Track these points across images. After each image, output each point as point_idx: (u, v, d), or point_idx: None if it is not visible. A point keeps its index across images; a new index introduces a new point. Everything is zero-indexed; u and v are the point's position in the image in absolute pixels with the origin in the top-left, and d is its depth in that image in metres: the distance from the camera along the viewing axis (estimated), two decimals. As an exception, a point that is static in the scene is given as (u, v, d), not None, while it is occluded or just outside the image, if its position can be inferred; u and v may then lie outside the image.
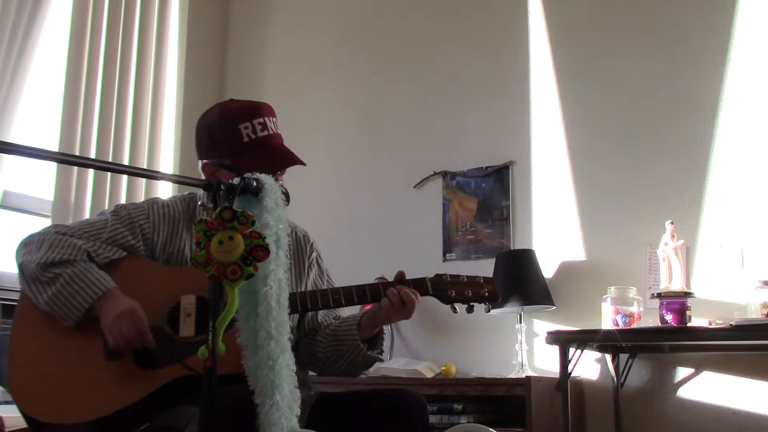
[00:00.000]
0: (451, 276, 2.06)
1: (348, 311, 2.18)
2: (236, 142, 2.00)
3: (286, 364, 1.71)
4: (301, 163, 2.05)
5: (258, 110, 2.05)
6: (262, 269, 1.63)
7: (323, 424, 1.94)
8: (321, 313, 2.15)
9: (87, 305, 1.85)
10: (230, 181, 1.65)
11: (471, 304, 2.03)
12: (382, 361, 2.10)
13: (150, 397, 1.81)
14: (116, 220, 2.00)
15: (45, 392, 1.83)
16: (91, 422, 1.79)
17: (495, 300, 2.07)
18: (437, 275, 2.06)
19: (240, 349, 1.70)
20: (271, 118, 2.06)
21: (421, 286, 2.02)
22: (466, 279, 2.07)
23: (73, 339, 1.88)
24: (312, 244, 2.25)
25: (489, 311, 2.10)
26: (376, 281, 3.78)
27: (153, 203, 2.06)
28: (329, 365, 2.09)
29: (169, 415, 1.82)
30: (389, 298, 1.96)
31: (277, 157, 2.03)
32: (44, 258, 1.89)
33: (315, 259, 2.23)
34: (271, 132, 2.04)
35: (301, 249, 2.20)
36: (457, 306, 2.03)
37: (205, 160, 2.06)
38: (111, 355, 1.85)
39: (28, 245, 1.96)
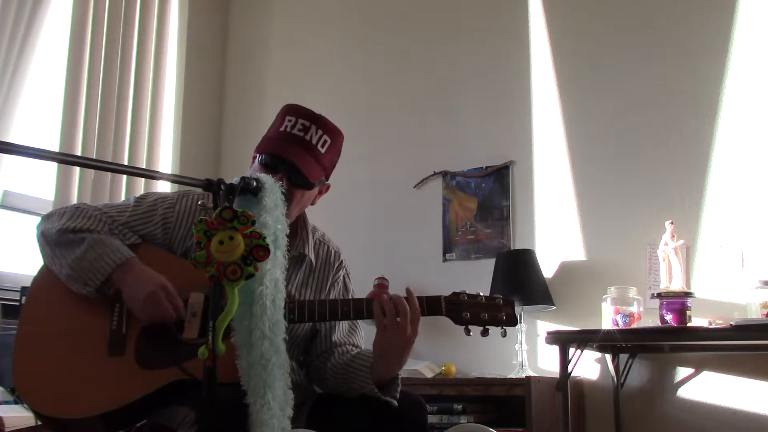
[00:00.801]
0: (468, 295, 1.95)
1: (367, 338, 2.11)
2: (275, 129, 2.02)
3: (279, 364, 1.70)
4: (302, 170, 1.96)
5: (312, 116, 2.01)
6: (259, 269, 1.63)
7: (323, 424, 1.93)
8: (336, 335, 2.08)
9: (110, 269, 1.85)
10: (231, 181, 1.65)
11: (486, 327, 1.94)
12: (395, 406, 1.94)
13: (147, 397, 1.81)
14: (137, 206, 2.00)
15: (47, 384, 1.83)
16: (89, 418, 1.80)
17: (513, 324, 1.96)
18: (453, 294, 1.95)
19: (233, 354, 1.69)
20: (320, 132, 1.99)
21: (435, 304, 1.92)
22: (484, 300, 1.96)
23: (77, 330, 1.89)
24: (342, 262, 2.17)
25: (505, 336, 1.98)
26: (376, 281, 3.81)
27: (183, 196, 2.04)
28: (341, 393, 2.02)
29: (162, 415, 1.83)
30: (381, 309, 1.85)
31: (283, 148, 1.97)
32: (66, 225, 1.91)
33: (342, 278, 2.16)
34: (308, 138, 1.98)
35: (329, 264, 2.14)
36: (471, 328, 1.94)
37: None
38: (114, 350, 1.85)
39: (50, 217, 1.97)
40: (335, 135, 2.04)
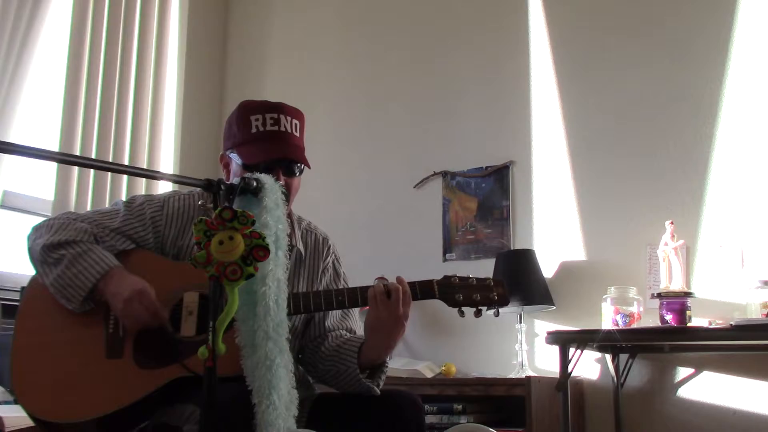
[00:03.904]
0: (460, 278, 1.98)
1: (361, 326, 2.13)
2: (245, 132, 2.01)
3: (284, 364, 1.70)
4: (299, 160, 2.02)
5: (275, 107, 2.04)
6: (261, 269, 1.63)
7: (322, 424, 1.94)
8: (329, 321, 2.10)
9: (90, 284, 1.85)
10: (230, 181, 1.65)
11: (479, 308, 1.96)
12: (376, 394, 1.97)
13: (149, 397, 1.81)
14: (127, 211, 2.00)
15: (46, 390, 1.84)
16: (90, 421, 1.80)
17: (505, 304, 1.99)
18: (445, 277, 1.99)
19: (238, 350, 1.70)
20: (288, 118, 2.03)
21: (428, 288, 1.96)
22: (475, 281, 1.99)
23: (74, 335, 1.89)
24: (330, 247, 2.20)
25: (498, 315, 2.01)
26: (376, 281, 3.80)
27: (170, 197, 2.05)
28: (328, 379, 2.04)
29: (167, 414, 1.83)
30: (374, 290, 1.90)
31: (273, 150, 1.99)
32: (50, 240, 1.90)
33: (331, 263, 2.19)
34: (282, 129, 2.01)
35: (318, 252, 2.16)
36: (465, 310, 1.96)
37: (221, 152, 2.10)
38: (112, 353, 1.85)
39: (38, 230, 1.97)
40: (299, 115, 2.08)
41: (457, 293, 1.96)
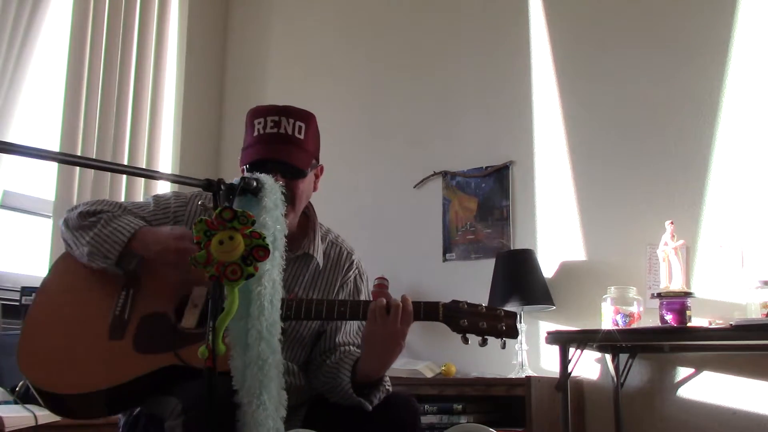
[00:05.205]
0: (469, 304, 1.93)
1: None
2: (249, 136, 2.04)
3: (275, 364, 1.71)
4: (291, 161, 2.00)
5: (277, 110, 2.04)
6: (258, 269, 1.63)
7: (318, 424, 1.95)
8: (340, 336, 2.09)
9: (125, 238, 1.93)
10: (231, 181, 1.66)
11: (485, 337, 1.91)
12: (368, 410, 1.94)
13: (139, 380, 1.83)
14: (155, 205, 2.08)
15: (42, 359, 1.89)
16: (84, 395, 1.83)
17: (513, 337, 1.93)
18: (453, 301, 1.93)
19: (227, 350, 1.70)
20: (291, 120, 2.02)
21: (432, 309, 1.92)
22: (484, 309, 1.93)
23: (84, 313, 1.94)
24: (354, 262, 2.18)
25: (504, 347, 1.94)
26: (376, 281, 3.81)
27: (196, 195, 2.09)
28: (325, 392, 2.03)
29: (154, 404, 1.85)
30: (375, 305, 1.87)
31: (266, 151, 1.99)
32: (86, 209, 2.01)
33: (353, 279, 2.16)
34: (282, 131, 2.01)
35: (339, 266, 2.15)
36: (469, 337, 1.90)
37: None
38: (114, 334, 1.90)
39: (74, 209, 2.06)
40: (307, 118, 2.07)
41: (463, 319, 1.91)
